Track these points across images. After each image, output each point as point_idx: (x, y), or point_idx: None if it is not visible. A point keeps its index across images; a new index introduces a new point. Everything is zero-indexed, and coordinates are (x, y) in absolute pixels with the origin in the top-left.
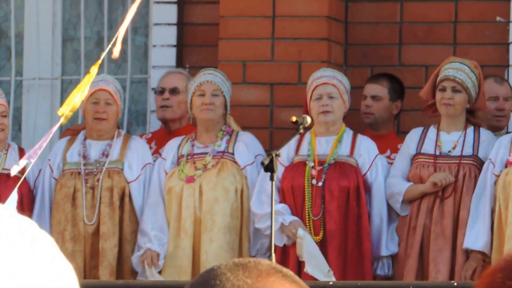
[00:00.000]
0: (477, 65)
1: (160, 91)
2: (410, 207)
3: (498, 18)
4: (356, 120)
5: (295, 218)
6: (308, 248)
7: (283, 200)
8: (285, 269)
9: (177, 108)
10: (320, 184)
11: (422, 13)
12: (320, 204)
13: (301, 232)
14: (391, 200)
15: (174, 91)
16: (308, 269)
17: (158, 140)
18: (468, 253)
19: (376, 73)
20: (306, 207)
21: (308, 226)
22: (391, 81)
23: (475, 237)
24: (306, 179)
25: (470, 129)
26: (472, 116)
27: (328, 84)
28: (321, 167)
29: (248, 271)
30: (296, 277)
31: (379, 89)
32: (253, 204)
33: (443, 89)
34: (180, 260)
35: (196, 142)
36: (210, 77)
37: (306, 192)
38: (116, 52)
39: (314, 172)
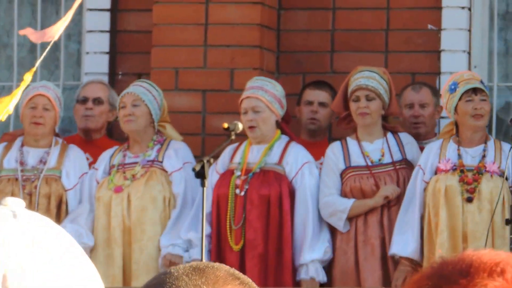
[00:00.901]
0: (385, 71)
1: (82, 100)
2: (354, 222)
3: (429, 26)
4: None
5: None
6: None
7: None
8: (243, 276)
9: (99, 118)
10: (242, 193)
11: (354, 21)
12: (241, 213)
13: None
14: (332, 218)
15: (96, 100)
16: None
17: None
18: (396, 260)
19: (315, 80)
20: (228, 216)
21: (229, 236)
22: (331, 89)
23: (403, 243)
24: (230, 189)
25: (390, 135)
26: (386, 121)
27: (252, 98)
28: (245, 176)
29: (205, 277)
30: (254, 285)
31: (325, 96)
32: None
33: (357, 99)
34: (112, 270)
35: (128, 152)
36: (131, 89)
37: (229, 201)
38: (24, 32)
39: (238, 182)
